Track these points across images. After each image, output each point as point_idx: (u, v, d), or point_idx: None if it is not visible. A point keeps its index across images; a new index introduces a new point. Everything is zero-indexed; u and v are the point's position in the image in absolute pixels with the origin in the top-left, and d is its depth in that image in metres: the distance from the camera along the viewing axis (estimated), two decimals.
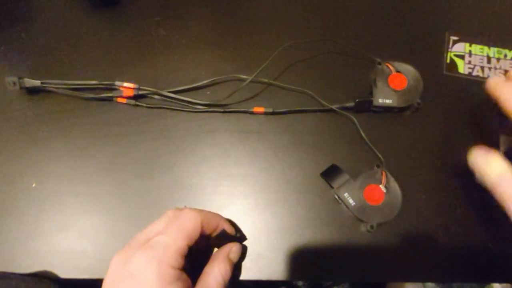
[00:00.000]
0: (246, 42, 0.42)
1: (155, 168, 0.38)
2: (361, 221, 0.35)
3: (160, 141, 0.38)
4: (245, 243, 0.35)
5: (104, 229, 0.36)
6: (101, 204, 0.36)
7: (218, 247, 0.31)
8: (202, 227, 0.28)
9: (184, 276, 0.26)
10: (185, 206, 0.36)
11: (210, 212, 0.30)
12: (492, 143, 0.38)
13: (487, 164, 0.30)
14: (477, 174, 0.31)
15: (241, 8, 0.44)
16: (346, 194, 0.35)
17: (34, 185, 0.37)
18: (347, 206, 0.35)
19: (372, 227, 0.34)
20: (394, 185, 0.36)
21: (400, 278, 0.37)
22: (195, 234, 0.27)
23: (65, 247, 0.35)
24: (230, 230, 0.31)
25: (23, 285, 0.33)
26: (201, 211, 0.29)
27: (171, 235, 0.26)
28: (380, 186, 0.35)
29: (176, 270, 0.25)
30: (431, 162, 0.38)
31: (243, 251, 0.34)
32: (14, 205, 0.36)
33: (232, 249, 0.30)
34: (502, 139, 0.38)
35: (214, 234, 0.30)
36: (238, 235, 0.32)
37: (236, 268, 0.31)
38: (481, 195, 0.37)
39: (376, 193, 0.35)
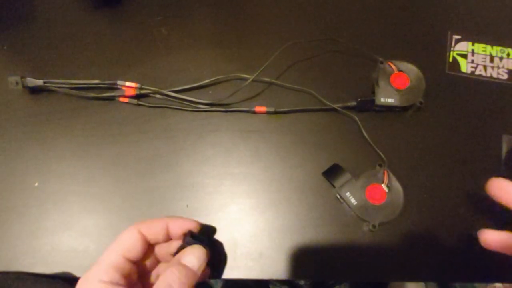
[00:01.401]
0: (248, 41, 0.42)
1: (157, 167, 0.38)
2: (363, 220, 0.35)
3: (162, 140, 0.38)
4: (246, 242, 0.35)
5: (106, 228, 0.36)
6: (103, 203, 0.36)
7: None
8: (145, 237, 0.28)
9: None
10: (187, 206, 0.36)
11: (151, 220, 0.29)
12: (494, 144, 0.38)
13: None
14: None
15: (243, 7, 0.44)
16: (348, 194, 0.35)
17: (36, 184, 0.37)
18: (349, 206, 0.35)
19: (374, 226, 0.34)
20: (396, 184, 0.36)
21: (402, 277, 0.37)
22: (134, 246, 0.28)
23: (67, 246, 0.35)
24: (182, 227, 0.29)
25: (37, 286, 0.33)
26: (140, 222, 0.29)
27: (105, 252, 0.27)
28: (382, 185, 0.35)
29: (109, 285, 0.25)
30: (433, 161, 0.38)
31: (211, 252, 0.30)
32: (16, 204, 0.37)
33: (185, 252, 0.28)
34: (505, 138, 0.38)
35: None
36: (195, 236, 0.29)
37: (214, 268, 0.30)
38: (483, 195, 0.37)
39: (378, 193, 0.35)
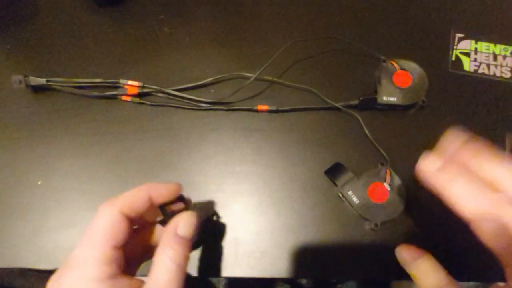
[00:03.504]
0: (250, 40, 0.42)
1: (159, 165, 0.38)
2: (365, 219, 0.35)
3: (165, 139, 0.39)
4: (248, 240, 0.35)
5: None
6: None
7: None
8: (128, 216, 0.25)
9: (122, 281, 0.24)
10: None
11: (129, 192, 0.26)
12: (497, 142, 0.38)
13: (418, 273, 0.28)
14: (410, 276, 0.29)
15: (246, 6, 0.44)
16: (350, 192, 0.35)
17: (39, 182, 0.37)
18: (351, 204, 0.35)
19: (376, 225, 0.34)
20: (399, 183, 0.36)
21: (404, 276, 0.36)
22: (119, 230, 0.25)
23: (70, 244, 0.35)
24: (166, 195, 0.27)
25: (39, 282, 0.33)
26: (116, 198, 0.26)
27: (86, 245, 0.24)
28: (384, 184, 0.35)
29: (107, 281, 0.23)
30: None
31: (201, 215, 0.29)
32: (20, 202, 0.37)
33: (180, 223, 0.26)
34: (508, 137, 0.38)
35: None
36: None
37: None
38: None
39: (380, 191, 0.35)
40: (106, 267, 0.23)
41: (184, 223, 0.26)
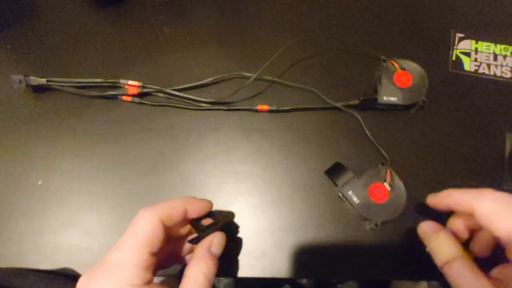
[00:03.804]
0: (251, 40, 0.42)
1: (159, 165, 0.38)
2: (365, 219, 0.35)
3: (165, 139, 0.39)
4: (249, 240, 0.35)
5: (110, 226, 0.36)
6: (106, 201, 0.37)
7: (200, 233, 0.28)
8: (165, 224, 0.26)
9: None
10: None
11: (168, 202, 0.28)
12: (497, 142, 0.38)
13: (436, 244, 0.30)
14: (427, 249, 0.31)
15: (246, 5, 0.44)
16: (350, 192, 0.35)
17: (40, 182, 0.37)
18: (351, 204, 0.35)
19: (376, 225, 0.34)
20: (399, 183, 0.36)
21: (404, 276, 0.36)
22: (157, 237, 0.25)
23: (71, 244, 0.35)
24: (199, 211, 0.29)
25: (38, 282, 0.33)
26: (157, 207, 0.27)
27: (126, 250, 0.24)
28: (385, 184, 0.35)
29: (142, 287, 0.24)
30: (436, 160, 0.38)
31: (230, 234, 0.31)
32: (20, 202, 0.37)
33: (214, 241, 0.28)
34: (508, 137, 0.38)
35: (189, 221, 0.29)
36: (215, 221, 0.30)
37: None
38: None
39: (380, 191, 0.35)
40: (143, 273, 0.24)
41: (217, 242, 0.28)
